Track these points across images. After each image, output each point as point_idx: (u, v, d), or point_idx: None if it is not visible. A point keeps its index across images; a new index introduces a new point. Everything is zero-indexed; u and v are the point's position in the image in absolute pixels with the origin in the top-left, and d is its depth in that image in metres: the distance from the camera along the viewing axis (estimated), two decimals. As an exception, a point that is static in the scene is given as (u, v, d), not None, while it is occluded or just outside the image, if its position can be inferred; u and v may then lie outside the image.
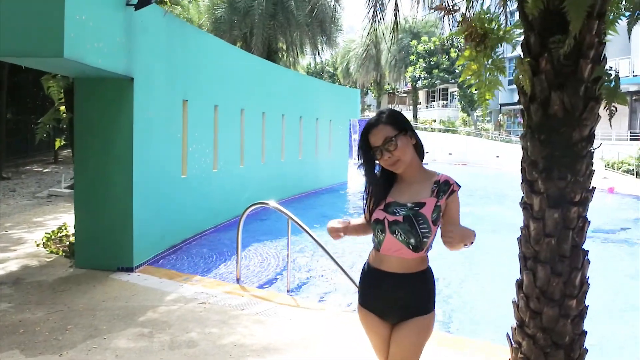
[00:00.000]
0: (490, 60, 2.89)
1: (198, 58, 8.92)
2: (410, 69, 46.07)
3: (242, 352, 4.39)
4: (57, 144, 8.44)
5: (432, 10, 2.92)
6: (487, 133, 41.67)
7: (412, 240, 2.42)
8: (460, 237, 2.28)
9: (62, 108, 8.06)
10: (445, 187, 2.44)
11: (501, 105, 44.73)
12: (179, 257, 7.77)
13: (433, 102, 57.45)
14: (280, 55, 22.83)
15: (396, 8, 3.51)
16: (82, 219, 6.91)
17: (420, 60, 45.78)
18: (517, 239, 3.12)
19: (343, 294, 6.43)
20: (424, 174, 2.53)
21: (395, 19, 3.57)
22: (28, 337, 4.61)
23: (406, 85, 54.98)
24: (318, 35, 21.63)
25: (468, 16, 2.84)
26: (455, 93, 48.47)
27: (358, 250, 8.50)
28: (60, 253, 7.60)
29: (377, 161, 2.52)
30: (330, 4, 19.48)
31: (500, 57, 2.92)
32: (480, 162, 30.23)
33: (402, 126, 2.46)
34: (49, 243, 8.11)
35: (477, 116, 45.19)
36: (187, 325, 4.94)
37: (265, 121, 12.57)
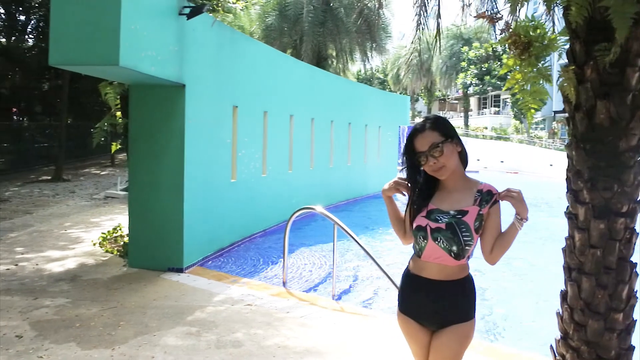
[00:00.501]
0: (535, 69, 2.87)
1: (248, 65, 9.12)
2: (462, 75, 45.49)
3: (285, 353, 4.47)
4: (113, 148, 8.74)
5: (476, 18, 2.92)
6: (540, 141, 40.68)
7: (454, 248, 2.44)
8: (522, 199, 2.39)
9: (118, 114, 8.37)
10: (488, 197, 2.46)
11: (555, 112, 43.57)
12: (227, 260, 7.95)
13: (485, 109, 56.51)
14: (330, 62, 22.97)
15: (438, 16, 3.52)
16: (135, 221, 7.17)
17: (471, 66, 45.15)
18: (562, 249, 3.08)
19: (388, 300, 6.43)
20: (466, 182, 2.55)
21: (438, 27, 3.57)
22: (83, 331, 4.83)
23: (457, 91, 54.29)
24: (367, 41, 21.67)
25: (511, 24, 2.84)
26: (508, 100, 47.50)
27: (403, 257, 8.49)
28: (115, 252, 7.90)
29: (421, 167, 2.53)
30: (377, 11, 19.47)
31: (546, 65, 2.90)
32: (532, 170, 29.52)
33: (448, 133, 2.49)
34: (104, 243, 8.44)
35: (530, 124, 44.15)
36: (233, 326, 5.07)
37: (314, 127, 12.69)
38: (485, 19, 2.83)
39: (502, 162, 31.07)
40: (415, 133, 2.51)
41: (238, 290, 6.27)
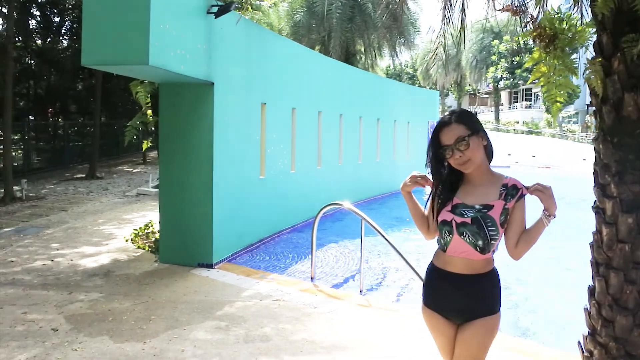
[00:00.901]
0: (561, 62, 2.84)
1: (276, 62, 9.17)
2: (492, 69, 44.90)
3: (312, 348, 4.51)
4: (145, 146, 8.91)
5: (501, 12, 2.90)
6: (573, 135, 39.89)
7: (480, 242, 2.44)
8: (551, 195, 2.39)
9: (149, 112, 8.54)
10: (514, 191, 2.45)
11: (588, 105, 42.65)
12: (256, 255, 8.03)
13: (516, 103, 55.65)
14: (358, 58, 22.91)
15: (463, 11, 3.50)
16: (166, 218, 7.30)
17: (502, 60, 44.50)
18: (589, 244, 3.05)
19: (415, 295, 6.42)
20: (491, 176, 2.54)
21: (462, 21, 3.55)
22: (116, 325, 4.95)
23: (487, 86, 53.61)
24: (395, 37, 21.53)
25: (537, 17, 2.81)
26: (539, 93, 46.66)
27: (431, 252, 8.46)
28: (147, 248, 8.06)
29: (446, 160, 2.53)
30: (407, 6, 19.32)
31: (572, 57, 2.87)
32: (565, 165, 28.98)
33: (475, 126, 2.48)
34: (136, 239, 8.62)
35: (562, 117, 43.33)
36: (261, 321, 5.13)
37: (343, 123, 12.70)
38: (510, 12, 2.80)
39: (533, 156, 30.59)
40: (441, 126, 2.50)
41: (266, 285, 6.33)
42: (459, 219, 2.48)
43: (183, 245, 7.18)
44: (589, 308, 3.08)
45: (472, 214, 2.46)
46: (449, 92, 59.68)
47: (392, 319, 5.34)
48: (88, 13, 5.53)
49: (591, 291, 3.05)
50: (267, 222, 9.04)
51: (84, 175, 19.24)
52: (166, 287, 6.20)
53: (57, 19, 23.63)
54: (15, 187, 13.93)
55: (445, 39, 4.00)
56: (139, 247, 8.18)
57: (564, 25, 2.80)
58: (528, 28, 2.79)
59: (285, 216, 9.80)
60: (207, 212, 7.08)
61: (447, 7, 3.73)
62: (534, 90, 51.99)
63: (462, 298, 2.51)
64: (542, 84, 2.88)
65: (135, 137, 8.96)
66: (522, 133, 43.06)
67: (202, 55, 6.57)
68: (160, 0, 5.54)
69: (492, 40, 44.85)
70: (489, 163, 2.58)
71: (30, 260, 7.38)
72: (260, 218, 8.69)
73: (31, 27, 24.12)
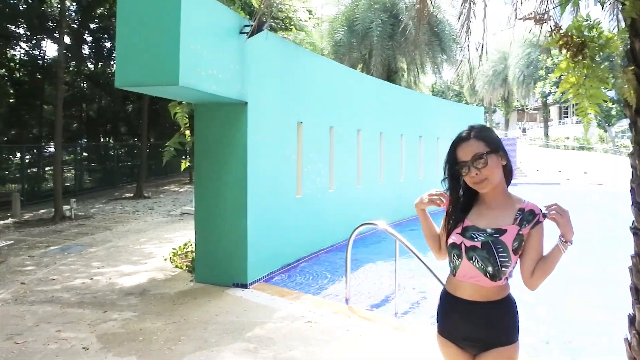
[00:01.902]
0: (591, 72, 2.67)
1: (313, 81, 9.16)
2: (540, 84, 43.82)
3: (341, 373, 4.37)
4: (183, 165, 9.01)
5: (523, 20, 2.75)
6: (627, 150, 38.39)
7: (490, 269, 2.27)
8: (568, 219, 2.21)
9: (187, 132, 8.62)
10: (530, 217, 2.28)
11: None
12: (292, 276, 7.94)
13: (566, 118, 54.09)
14: (400, 75, 22.78)
15: (484, 30, 3.36)
16: (201, 237, 7.32)
17: (550, 74, 43.39)
18: (628, 268, 2.82)
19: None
20: (508, 199, 2.37)
21: (483, 39, 3.41)
22: (145, 345, 4.94)
23: (536, 101, 52.36)
24: (438, 53, 21.31)
25: (561, 24, 2.64)
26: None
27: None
28: (184, 268, 8.09)
29: (462, 178, 2.37)
30: (448, 22, 19.15)
31: (603, 66, 2.69)
32: (618, 181, 27.83)
33: (494, 144, 2.32)
34: (175, 258, 8.67)
35: (615, 132, 41.82)
36: (291, 343, 5.02)
37: (383, 141, 12.56)
38: (532, 20, 2.64)
39: (585, 173, 29.53)
40: (459, 141, 2.35)
41: (300, 306, 6.22)
42: (468, 243, 2.32)
43: (218, 265, 7.17)
44: (629, 338, 2.85)
45: (482, 238, 2.29)
46: (497, 109, 58.63)
47: (426, 344, 5.13)
48: (121, 35, 5.64)
49: (631, 320, 2.82)
50: (305, 241, 8.96)
51: (131, 195, 19.70)
52: (199, 307, 6.17)
53: (107, 44, 24.46)
54: (65, 207, 14.35)
55: (469, 51, 3.78)
56: (176, 267, 8.22)
57: (593, 33, 2.63)
58: (552, 37, 2.62)
59: (324, 236, 9.69)
60: (241, 232, 7.06)
61: (469, 18, 3.57)
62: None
63: (472, 326, 2.34)
64: (571, 95, 2.71)
65: (174, 156, 9.04)
66: (573, 149, 41.74)
67: (234, 75, 6.59)
68: (190, 21, 5.60)
69: (540, 55, 43.89)
70: (508, 184, 2.41)
71: (70, 278, 7.51)
72: (297, 238, 8.61)
73: (84, 52, 25.03)
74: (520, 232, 2.26)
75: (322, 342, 5.06)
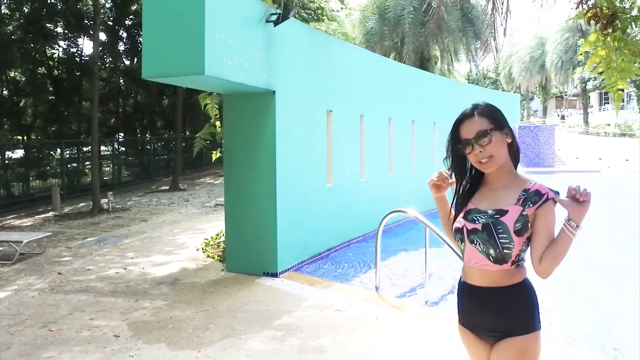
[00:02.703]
0: (622, 44, 2.54)
1: (342, 69, 9.08)
2: (579, 69, 42.60)
3: (368, 361, 4.33)
4: (214, 156, 9.06)
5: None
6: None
7: (492, 252, 2.17)
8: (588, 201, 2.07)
9: (217, 123, 8.67)
10: (536, 197, 2.14)
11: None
12: (322, 265, 7.92)
13: (607, 105, 52.48)
14: (433, 63, 22.46)
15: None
16: (232, 227, 7.35)
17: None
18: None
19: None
20: (514, 179, 2.25)
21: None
22: (174, 333, 4.99)
23: (575, 87, 50.98)
24: (472, 40, 20.89)
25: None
26: (633, 93, 43.75)
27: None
28: (216, 258, 8.15)
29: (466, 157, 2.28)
30: (482, 7, 18.67)
31: (637, 39, 2.56)
32: (664, 168, 26.92)
33: (499, 121, 2.23)
34: (207, 248, 8.75)
35: (618, 108, 40.38)
36: (319, 331, 5.00)
37: (416, 129, 12.41)
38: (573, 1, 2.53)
39: (627, 160, 28.64)
40: (462, 119, 2.26)
41: (329, 295, 6.20)
42: (470, 226, 2.23)
43: (248, 255, 7.20)
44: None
45: (483, 220, 2.19)
46: (534, 96, 57.36)
47: (456, 332, 5.03)
48: (147, 27, 5.68)
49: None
50: (336, 230, 8.91)
51: (167, 188, 19.99)
52: (229, 296, 6.21)
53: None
54: (103, 200, 14.66)
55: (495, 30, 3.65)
56: (208, 256, 8.30)
57: (625, 4, 2.50)
58: (580, 9, 2.50)
59: (355, 225, 9.63)
60: (271, 221, 7.06)
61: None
62: (626, 90, 48.83)
63: (483, 314, 2.25)
64: (601, 69, 2.58)
65: (205, 148, 9.11)
66: (614, 136, 40.50)
67: (261, 64, 6.58)
68: (215, 10, 5.60)
69: (579, 40, 42.63)
70: (516, 165, 2.30)
71: (105, 268, 7.66)
72: (327, 227, 8.58)
73: (119, 49, 25.47)
74: (524, 213, 2.14)
75: (350, 330, 5.02)
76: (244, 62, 6.17)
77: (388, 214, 6.61)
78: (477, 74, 55.97)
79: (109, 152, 22.77)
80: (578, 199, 2.07)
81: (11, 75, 21.21)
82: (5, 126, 21.33)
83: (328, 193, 8.65)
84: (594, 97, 52.97)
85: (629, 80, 2.69)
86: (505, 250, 2.16)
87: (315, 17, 17.37)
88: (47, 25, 20.84)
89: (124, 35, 25.43)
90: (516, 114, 19.02)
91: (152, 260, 8.15)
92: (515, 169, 2.30)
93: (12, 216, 14.30)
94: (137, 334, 5.00)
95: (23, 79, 22.39)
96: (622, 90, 2.55)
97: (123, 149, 24.54)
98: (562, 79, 46.60)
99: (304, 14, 16.41)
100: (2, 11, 19.38)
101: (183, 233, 10.55)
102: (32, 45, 20.58)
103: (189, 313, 5.57)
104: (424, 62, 20.88)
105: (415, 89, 12.44)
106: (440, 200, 2.49)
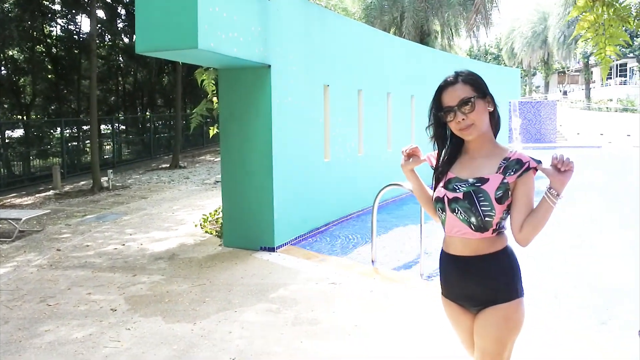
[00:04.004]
0: (611, 10, 2.51)
1: (339, 43, 9.00)
2: (581, 44, 42.12)
3: (362, 333, 4.37)
4: (211, 132, 9.02)
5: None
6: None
7: (473, 219, 2.16)
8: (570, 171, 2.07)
9: (215, 99, 8.63)
10: (517, 166, 2.13)
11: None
12: (320, 239, 7.96)
13: (609, 80, 52.07)
14: (433, 38, 22.24)
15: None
16: (228, 202, 7.37)
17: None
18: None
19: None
20: (494, 149, 2.24)
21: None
22: (171, 306, 5.03)
23: (577, 62, 50.49)
24: (472, 14, 20.62)
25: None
26: (635, 68, 43.30)
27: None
28: (214, 233, 8.19)
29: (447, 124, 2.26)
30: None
31: (625, 4, 2.52)
32: (666, 143, 26.78)
33: (482, 89, 2.21)
34: (205, 224, 8.79)
35: (605, 75, 40.07)
36: (313, 304, 5.04)
37: (414, 104, 12.35)
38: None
39: (628, 135, 28.50)
40: (445, 86, 2.24)
41: (325, 269, 6.23)
42: (450, 195, 2.22)
43: (245, 229, 7.23)
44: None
45: (464, 189, 2.18)
46: (536, 71, 56.88)
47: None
48: (140, 1, 5.62)
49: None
50: (333, 205, 8.93)
51: (168, 166, 20.01)
52: (226, 270, 6.25)
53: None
54: (103, 178, 14.69)
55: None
56: (206, 232, 8.33)
57: (614, -32, 2.46)
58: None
59: (353, 200, 9.64)
60: (267, 196, 7.07)
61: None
62: (629, 65, 48.38)
63: (467, 283, 2.25)
64: (590, 35, 2.56)
65: (203, 124, 9.09)
66: (616, 111, 40.24)
67: (256, 37, 6.52)
68: (208, -17, 5.54)
69: (582, 14, 42.12)
70: (496, 134, 2.28)
71: (104, 244, 7.70)
72: (325, 202, 8.59)
73: (118, 26, 25.27)
74: (505, 181, 2.14)
75: (345, 303, 5.06)
76: (239, 36, 6.11)
77: (384, 188, 6.60)
78: (478, 50, 55.48)
79: (109, 131, 22.74)
80: (560, 169, 2.07)
81: (9, 53, 21.07)
82: (5, 105, 21.28)
83: (326, 168, 8.65)
84: (596, 72, 52.48)
85: (630, 53, 2.67)
86: (487, 218, 2.15)
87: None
88: (45, 2, 20.65)
89: (123, 12, 25.20)
90: (517, 88, 18.88)
91: (151, 236, 8.19)
92: (495, 138, 2.28)
93: (13, 195, 14.36)
94: (134, 307, 5.05)
95: (22, 57, 22.27)
96: (611, 56, 2.51)
97: (123, 127, 24.50)
98: (564, 54, 46.07)
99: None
100: (-2, -12, 19.20)
101: (182, 210, 10.58)
102: (29, 23, 20.40)
103: (186, 287, 5.62)
104: (424, 37, 20.69)
105: (413, 63, 12.35)
106: (412, 177, 2.53)
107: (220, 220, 8.74)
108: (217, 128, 9.08)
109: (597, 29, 2.52)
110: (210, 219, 9.07)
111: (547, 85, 55.31)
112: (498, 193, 2.13)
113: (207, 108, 8.77)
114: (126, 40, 26.43)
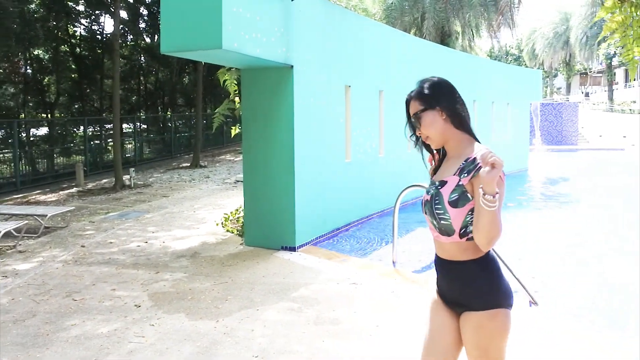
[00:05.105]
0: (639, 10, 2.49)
1: (361, 44, 9.01)
2: (604, 45, 41.57)
3: (383, 333, 4.38)
4: (233, 132, 9.13)
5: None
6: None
7: (435, 223, 2.23)
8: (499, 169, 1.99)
9: (237, 99, 8.71)
10: (471, 166, 2.13)
11: None
12: (341, 239, 7.98)
13: (633, 81, 51.23)
14: (454, 39, 22.13)
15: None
16: (250, 201, 7.43)
17: (615, 34, 41.10)
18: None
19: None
20: (464, 149, 2.25)
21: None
22: (194, 304, 5.10)
23: (600, 64, 49.80)
24: (493, 15, 20.48)
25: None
26: (662, 69, 42.46)
27: (522, 243, 7.99)
28: (235, 232, 8.26)
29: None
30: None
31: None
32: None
33: (429, 100, 2.27)
34: (226, 223, 8.86)
35: (632, 76, 39.38)
36: (335, 304, 5.06)
37: (435, 106, 12.29)
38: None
39: (653, 138, 28.09)
40: (407, 102, 2.36)
41: (346, 269, 6.26)
42: (425, 197, 2.31)
43: (267, 229, 7.28)
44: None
45: (432, 192, 2.25)
46: (558, 72, 56.23)
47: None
48: (165, 1, 5.70)
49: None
50: (354, 206, 8.94)
51: (188, 165, 20.18)
52: (247, 269, 6.30)
53: (162, 17, 24.84)
54: (125, 176, 14.87)
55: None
56: (227, 231, 8.40)
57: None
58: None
59: (374, 201, 9.64)
60: (289, 196, 7.12)
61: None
62: (655, 66, 47.45)
63: (449, 284, 2.31)
64: (617, 37, 2.55)
65: (224, 123, 9.18)
66: (640, 113, 39.69)
67: (279, 38, 6.57)
68: (232, -16, 5.60)
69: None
70: (469, 134, 2.29)
71: (127, 242, 7.81)
72: (346, 202, 8.61)
73: (140, 26, 25.56)
74: (460, 183, 2.15)
75: (366, 304, 5.08)
76: (262, 37, 6.17)
77: (405, 189, 6.61)
78: (499, 51, 55.02)
79: (130, 129, 23.00)
80: (492, 167, 1.99)
81: (35, 53, 21.41)
82: (30, 103, 21.61)
83: (347, 168, 8.67)
84: (619, 73, 51.75)
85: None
86: (442, 221, 2.19)
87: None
88: (69, 3, 20.96)
89: (145, 12, 25.49)
90: (539, 90, 18.69)
91: (173, 234, 8.29)
92: (474, 137, 2.29)
93: (38, 192, 14.60)
94: (157, 304, 5.12)
95: (46, 56, 22.62)
96: (638, 57, 2.50)
97: (144, 126, 24.76)
98: (586, 55, 45.54)
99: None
100: (25, -11, 19.53)
101: (203, 208, 10.68)
102: (54, 23, 20.74)
103: (208, 285, 5.68)
104: (444, 38, 20.59)
105: (434, 64, 12.30)
106: None
107: (241, 220, 8.81)
108: (239, 128, 9.17)
109: (625, 30, 2.51)
110: (231, 218, 9.14)
111: (568, 86, 54.68)
112: (452, 196, 2.16)
113: (229, 108, 8.85)
114: (148, 40, 26.75)
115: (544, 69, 49.45)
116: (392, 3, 20.28)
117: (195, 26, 5.56)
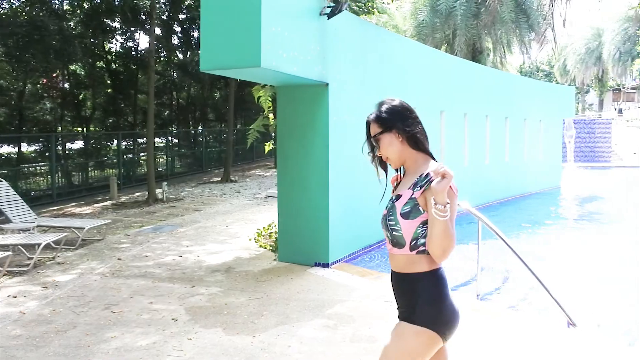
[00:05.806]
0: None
1: (394, 62, 9.05)
2: (638, 60, 40.87)
3: (420, 351, 4.35)
4: (267, 148, 9.22)
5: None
6: None
7: (388, 234, 2.33)
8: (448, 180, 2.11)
9: (271, 115, 8.81)
10: (424, 181, 2.25)
11: None
12: (374, 256, 7.97)
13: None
14: (486, 55, 22.03)
15: None
16: (284, 218, 7.48)
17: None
18: None
19: (535, 301, 5.99)
20: (420, 166, 2.38)
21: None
22: (230, 318, 5.15)
23: (634, 79, 48.90)
24: (525, 31, 20.34)
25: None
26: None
27: (560, 262, 7.87)
28: (268, 247, 8.32)
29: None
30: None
31: None
32: None
33: (385, 123, 2.40)
34: (259, 238, 8.93)
35: None
36: (370, 321, 5.06)
37: (467, 123, 12.26)
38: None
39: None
40: (367, 123, 2.52)
41: (380, 286, 6.24)
42: (383, 212, 2.41)
43: (300, 245, 7.32)
44: None
45: (388, 205, 2.37)
46: (590, 89, 55.41)
47: (505, 325, 5.02)
48: (205, 20, 5.84)
49: None
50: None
51: (219, 179, 20.40)
52: (281, 284, 6.34)
53: (195, 34, 25.32)
54: (158, 190, 15.10)
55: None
56: (260, 246, 8.47)
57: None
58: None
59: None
60: (323, 212, 7.15)
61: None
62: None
63: (398, 297, 2.42)
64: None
65: (258, 140, 9.28)
66: (676, 131, 38.75)
67: (315, 56, 6.65)
68: (271, 3, 5.71)
69: (639, 29, 40.90)
70: (426, 152, 2.42)
71: (162, 255, 7.93)
72: (377, 219, 8.56)
73: (173, 43, 26.06)
74: (413, 196, 2.25)
75: (401, 321, 5.05)
76: (299, 55, 6.26)
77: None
78: (529, 67, 54.55)
79: (162, 144, 23.38)
80: (443, 177, 2.13)
81: (72, 68, 21.99)
82: (67, 118, 22.15)
83: (379, 186, 8.65)
84: (655, 90, 50.74)
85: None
86: (394, 232, 2.29)
87: (366, 10, 17.32)
88: (106, 20, 21.53)
89: (178, 29, 25.99)
90: (571, 107, 18.45)
91: (207, 248, 8.38)
92: (431, 155, 2.41)
93: (73, 204, 14.91)
94: (194, 318, 5.18)
95: (83, 72, 23.21)
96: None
97: (176, 140, 25.15)
98: (620, 71, 44.80)
99: (355, 7, 16.39)
100: (64, 7, 20.13)
101: (235, 223, 10.78)
102: (91, 39, 21.31)
103: (244, 300, 5.73)
104: (476, 55, 20.52)
105: (467, 81, 12.28)
106: None
107: (274, 235, 8.87)
108: (273, 144, 9.26)
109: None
110: (263, 233, 9.21)
111: (601, 103, 53.79)
112: (405, 208, 2.26)
113: (263, 124, 8.95)
114: (180, 56, 27.25)
115: (575, 84, 48.79)
116: (423, 20, 20.33)
117: (234, 45, 5.68)
